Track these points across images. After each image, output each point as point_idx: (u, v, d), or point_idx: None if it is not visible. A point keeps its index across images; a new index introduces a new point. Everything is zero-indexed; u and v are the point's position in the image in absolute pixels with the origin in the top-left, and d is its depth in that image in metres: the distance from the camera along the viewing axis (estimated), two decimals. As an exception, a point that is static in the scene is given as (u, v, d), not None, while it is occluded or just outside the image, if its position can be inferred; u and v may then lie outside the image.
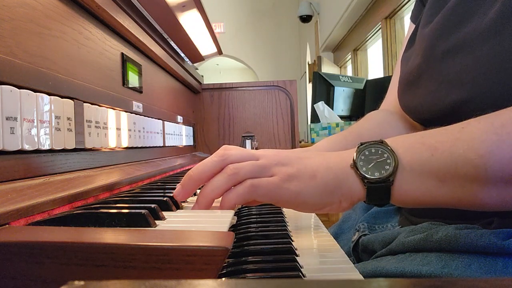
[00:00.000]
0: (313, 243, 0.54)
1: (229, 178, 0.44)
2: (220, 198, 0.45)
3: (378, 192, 0.42)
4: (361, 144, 0.44)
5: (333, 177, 0.43)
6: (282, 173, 0.44)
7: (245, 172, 0.44)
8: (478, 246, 0.43)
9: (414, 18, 0.72)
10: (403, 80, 0.63)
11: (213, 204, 0.46)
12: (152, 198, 0.48)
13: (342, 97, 2.81)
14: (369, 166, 0.42)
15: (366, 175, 0.42)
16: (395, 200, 0.43)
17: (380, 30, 3.74)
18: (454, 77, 0.50)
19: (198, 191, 0.49)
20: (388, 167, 0.42)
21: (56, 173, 0.50)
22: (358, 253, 0.64)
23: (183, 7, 1.04)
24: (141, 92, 0.88)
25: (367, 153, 0.43)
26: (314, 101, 2.67)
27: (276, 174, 0.44)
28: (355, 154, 0.44)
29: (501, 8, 0.45)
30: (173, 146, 1.12)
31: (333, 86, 2.73)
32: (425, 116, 0.57)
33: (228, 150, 0.47)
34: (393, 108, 0.73)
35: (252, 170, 0.44)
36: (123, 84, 0.78)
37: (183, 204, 0.49)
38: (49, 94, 0.50)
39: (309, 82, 5.72)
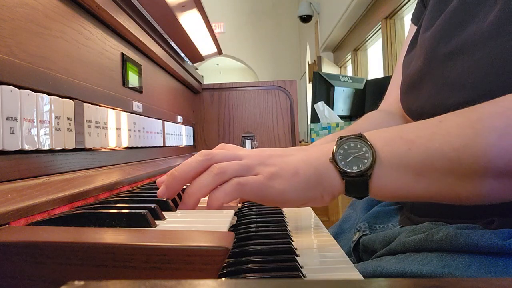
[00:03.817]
0: (313, 243, 0.54)
1: (215, 177, 0.44)
2: (207, 198, 0.45)
3: (356, 185, 0.43)
4: (341, 138, 0.45)
5: (314, 172, 0.44)
6: (265, 172, 0.44)
7: (231, 171, 0.44)
8: (479, 246, 0.43)
9: (415, 19, 0.72)
10: (405, 83, 0.63)
11: (199, 204, 0.46)
12: (152, 198, 0.48)
13: (342, 97, 2.81)
14: (348, 160, 0.43)
15: (345, 169, 0.43)
16: (373, 194, 0.43)
17: (380, 30, 3.74)
18: (455, 80, 0.50)
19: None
20: (366, 161, 0.42)
21: (56, 173, 0.50)
22: (358, 253, 0.64)
23: (183, 7, 1.04)
24: (141, 92, 0.88)
25: (346, 147, 0.44)
26: (314, 101, 2.67)
27: (260, 173, 0.44)
28: (334, 148, 0.44)
29: (500, 11, 0.45)
30: (173, 146, 1.12)
31: (333, 86, 2.73)
32: (427, 118, 0.57)
33: (214, 150, 0.48)
34: (393, 108, 0.73)
35: (238, 169, 0.45)
36: (123, 84, 0.78)
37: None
38: (49, 94, 0.50)
39: (309, 82, 5.72)
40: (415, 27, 0.71)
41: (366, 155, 0.42)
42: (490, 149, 0.37)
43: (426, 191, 0.42)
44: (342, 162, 0.43)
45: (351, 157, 0.43)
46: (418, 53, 0.59)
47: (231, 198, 0.44)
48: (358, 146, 0.43)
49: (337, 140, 0.45)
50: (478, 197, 0.41)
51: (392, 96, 0.75)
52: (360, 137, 0.44)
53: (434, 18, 0.58)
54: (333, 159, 0.43)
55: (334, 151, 0.44)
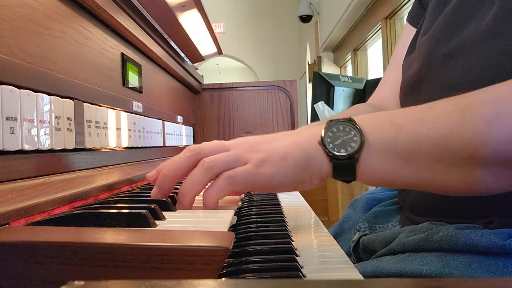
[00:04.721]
0: (313, 243, 0.54)
1: (205, 172, 0.44)
2: (201, 197, 0.45)
3: (344, 169, 0.43)
4: (330, 121, 0.45)
5: (303, 154, 0.44)
6: (254, 160, 0.44)
7: (220, 164, 0.44)
8: (479, 246, 0.43)
9: (412, 19, 0.72)
10: (404, 84, 0.63)
11: (198, 204, 0.46)
12: (152, 198, 0.48)
13: (342, 97, 2.81)
14: (336, 143, 0.43)
15: (333, 152, 0.43)
16: (361, 178, 0.43)
17: (380, 30, 3.74)
18: (455, 80, 0.50)
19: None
20: (354, 144, 0.42)
21: (56, 173, 0.50)
22: (358, 253, 0.64)
23: (183, 7, 1.04)
24: (141, 92, 0.88)
25: (335, 130, 0.44)
26: (314, 101, 2.67)
27: (249, 161, 0.44)
28: (323, 130, 0.44)
29: (498, 11, 0.45)
30: (173, 146, 1.12)
31: (333, 86, 2.73)
32: None
33: (200, 145, 0.48)
34: (381, 105, 0.73)
35: (227, 161, 0.45)
36: (123, 84, 0.78)
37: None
38: (49, 94, 0.50)
39: (309, 82, 5.72)
40: (411, 27, 0.71)
41: (355, 138, 0.42)
42: (477, 136, 0.37)
43: (413, 178, 0.41)
44: (331, 145, 0.43)
45: (340, 140, 0.43)
46: (418, 55, 0.59)
47: (224, 193, 0.44)
48: (347, 130, 0.43)
49: (327, 123, 0.44)
50: (467, 187, 0.40)
51: (382, 92, 0.75)
52: (349, 120, 0.44)
53: (433, 20, 0.58)
54: (322, 142, 0.43)
55: (323, 134, 0.44)
